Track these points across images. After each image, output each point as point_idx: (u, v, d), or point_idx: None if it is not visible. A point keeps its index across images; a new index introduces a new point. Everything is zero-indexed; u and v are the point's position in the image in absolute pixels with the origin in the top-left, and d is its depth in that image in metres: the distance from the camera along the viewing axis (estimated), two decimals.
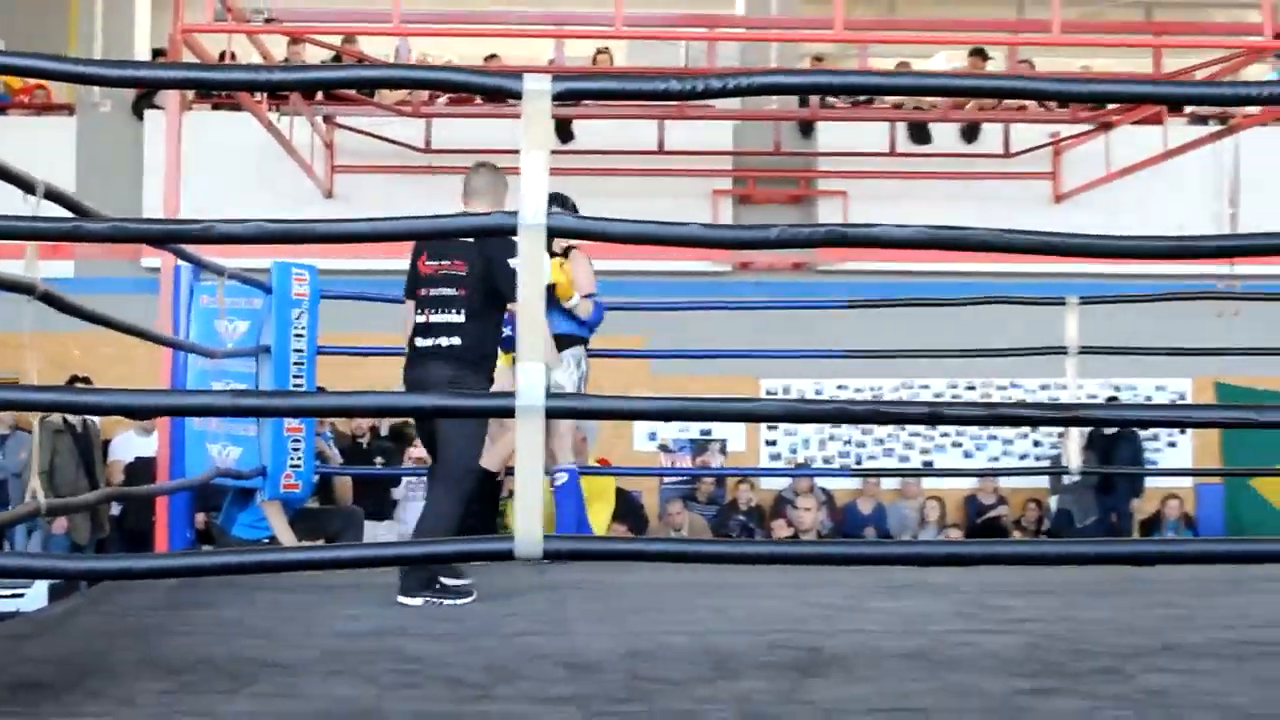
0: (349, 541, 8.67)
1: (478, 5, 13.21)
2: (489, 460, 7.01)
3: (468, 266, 6.30)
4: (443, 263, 6.40)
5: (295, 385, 7.41)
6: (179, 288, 7.63)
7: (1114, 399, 14.95)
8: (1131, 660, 4.44)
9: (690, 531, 12.72)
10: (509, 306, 6.31)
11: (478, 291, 6.29)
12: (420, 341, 6.37)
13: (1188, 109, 14.27)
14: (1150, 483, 14.41)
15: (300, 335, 7.50)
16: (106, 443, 12.64)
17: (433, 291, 6.39)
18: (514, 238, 3.69)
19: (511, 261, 5.92)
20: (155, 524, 7.87)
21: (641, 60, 14.52)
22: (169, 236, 5.18)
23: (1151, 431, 14.80)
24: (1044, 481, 14.70)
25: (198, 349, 7.09)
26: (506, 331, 6.68)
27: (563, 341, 7.52)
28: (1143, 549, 5.75)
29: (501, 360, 6.75)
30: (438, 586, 5.91)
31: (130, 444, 12.35)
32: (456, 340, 6.27)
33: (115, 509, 11.77)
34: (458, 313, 6.30)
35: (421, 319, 6.39)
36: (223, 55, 11.75)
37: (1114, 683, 4.08)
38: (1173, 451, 15.52)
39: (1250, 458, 13.96)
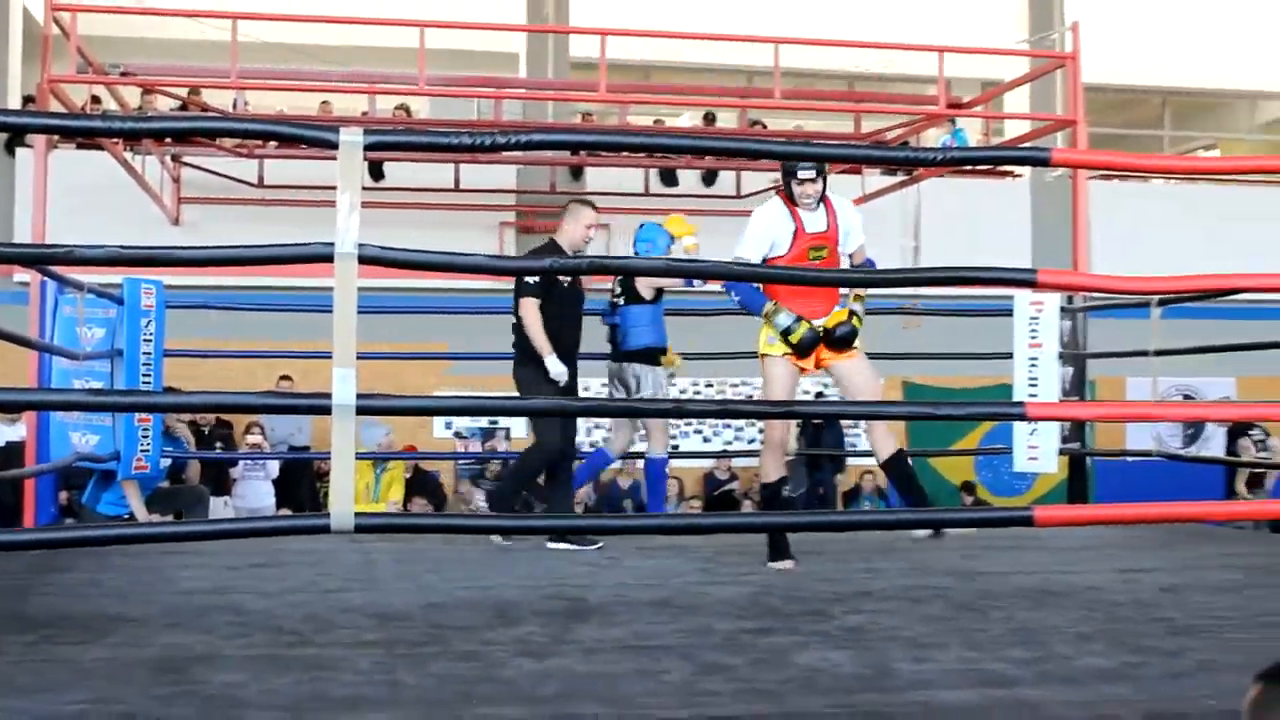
0: (195, 516, 8.57)
1: (304, 64, 12.97)
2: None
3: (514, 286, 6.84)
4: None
5: (144, 383, 7.26)
6: (45, 300, 7.44)
7: (820, 395, 15.30)
8: (834, 604, 4.56)
9: (479, 506, 12.65)
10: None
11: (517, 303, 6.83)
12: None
13: None
14: (850, 461, 14.81)
15: (149, 340, 7.36)
16: None
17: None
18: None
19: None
20: (23, 501, 7.72)
21: (442, 112, 14.41)
22: (37, 259, 5.09)
23: None
24: None
25: (61, 351, 6.91)
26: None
27: (652, 353, 7.30)
28: (838, 518, 5.90)
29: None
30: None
31: None
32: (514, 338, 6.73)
33: None
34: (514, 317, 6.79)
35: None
36: (85, 104, 11.38)
37: (820, 622, 4.20)
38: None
39: (929, 440, 14.48)
